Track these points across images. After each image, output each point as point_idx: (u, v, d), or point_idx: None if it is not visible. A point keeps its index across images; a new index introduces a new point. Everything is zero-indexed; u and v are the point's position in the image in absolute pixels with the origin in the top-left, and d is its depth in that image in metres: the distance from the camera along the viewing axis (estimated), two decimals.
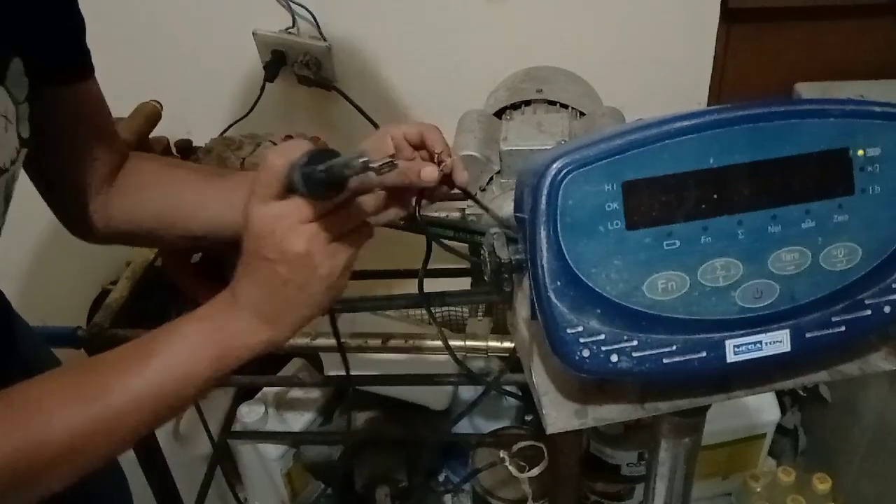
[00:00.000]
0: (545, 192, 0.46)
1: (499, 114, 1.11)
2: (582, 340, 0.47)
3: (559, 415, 0.54)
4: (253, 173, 0.57)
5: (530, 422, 1.56)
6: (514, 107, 1.12)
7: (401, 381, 1.20)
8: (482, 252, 0.53)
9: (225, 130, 1.26)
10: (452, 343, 0.99)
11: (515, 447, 0.94)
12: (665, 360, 0.48)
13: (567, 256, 0.46)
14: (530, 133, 0.97)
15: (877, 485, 1.39)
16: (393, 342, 1.03)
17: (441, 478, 1.61)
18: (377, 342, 1.03)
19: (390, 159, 0.51)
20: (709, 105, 1.36)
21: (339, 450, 1.44)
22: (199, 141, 1.17)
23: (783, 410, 1.51)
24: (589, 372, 0.48)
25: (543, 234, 0.46)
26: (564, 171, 0.45)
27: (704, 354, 0.49)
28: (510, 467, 0.93)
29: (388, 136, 0.67)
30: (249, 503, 1.63)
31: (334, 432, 1.46)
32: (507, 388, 1.11)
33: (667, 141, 0.46)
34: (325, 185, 0.52)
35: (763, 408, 1.47)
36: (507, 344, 1.01)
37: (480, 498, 1.44)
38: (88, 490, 0.58)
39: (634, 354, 0.48)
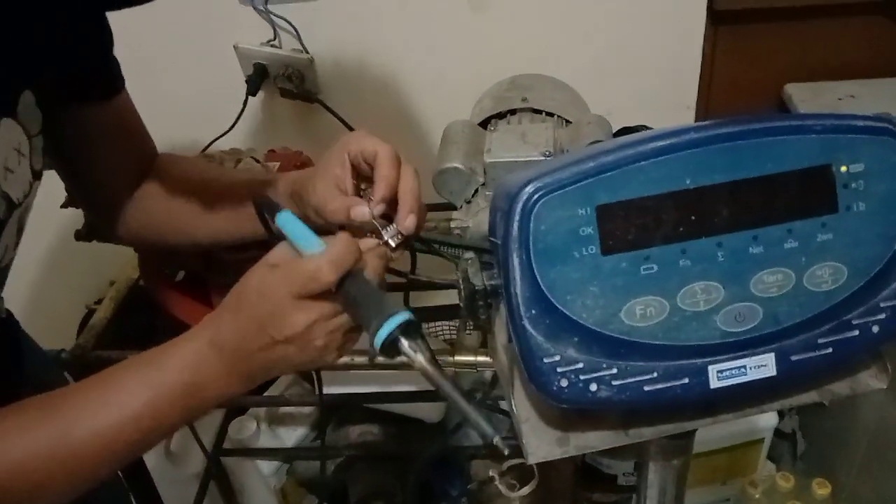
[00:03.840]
0: (517, 216, 0.44)
1: (484, 124, 1.09)
2: (559, 370, 0.46)
3: (540, 443, 0.52)
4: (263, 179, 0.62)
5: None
6: (500, 116, 1.10)
7: (391, 399, 1.18)
8: (456, 277, 0.51)
9: (208, 146, 1.24)
10: (441, 358, 0.98)
11: (506, 465, 0.93)
12: (646, 388, 0.47)
13: (541, 283, 0.45)
14: (514, 144, 0.95)
15: (876, 490, 1.37)
16: (381, 358, 1.01)
17: (436, 490, 1.59)
18: (363, 359, 1.01)
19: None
20: (697, 109, 1.35)
21: (333, 464, 1.42)
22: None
23: (781, 415, 1.49)
24: (568, 402, 0.47)
25: (516, 260, 0.44)
26: (536, 195, 0.44)
27: (687, 381, 0.47)
28: (500, 486, 0.91)
29: (346, 151, 0.65)
30: None
31: (327, 447, 1.44)
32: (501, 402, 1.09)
33: (642, 162, 0.44)
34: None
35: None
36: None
37: None
38: None
39: (614, 383, 0.46)
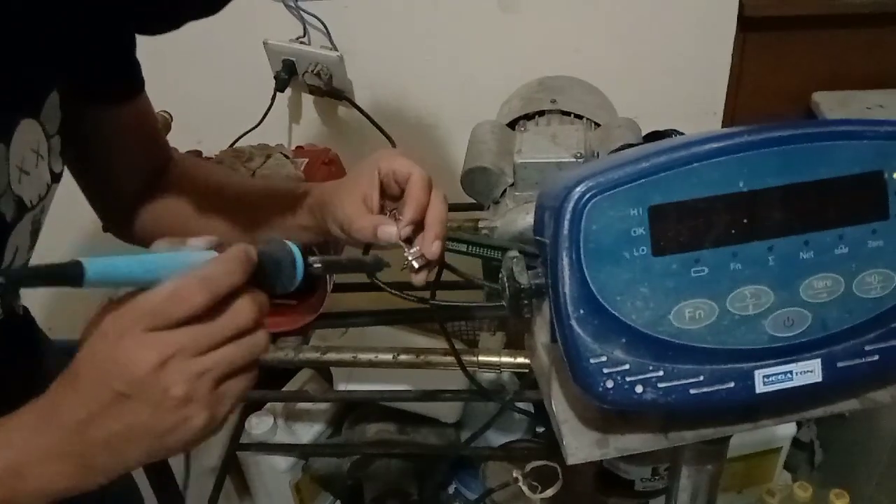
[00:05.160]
0: (568, 216, 0.44)
1: (512, 124, 1.10)
2: (605, 371, 0.46)
3: (580, 444, 0.52)
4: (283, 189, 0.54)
5: (542, 434, 1.53)
6: (528, 117, 1.10)
7: (413, 398, 1.18)
8: (500, 276, 0.51)
9: (235, 141, 1.25)
10: (464, 358, 0.98)
11: (528, 466, 0.93)
12: (692, 391, 0.46)
13: (590, 284, 0.44)
14: (545, 145, 0.95)
15: None
16: (404, 357, 1.01)
17: (451, 490, 1.59)
18: (388, 357, 1.02)
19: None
20: (724, 115, 1.35)
21: (349, 462, 1.42)
22: (209, 151, 1.15)
23: (799, 424, 1.48)
24: (612, 403, 0.47)
25: (566, 260, 0.44)
26: (588, 194, 0.44)
27: (732, 385, 0.47)
28: (523, 487, 0.91)
29: (377, 168, 0.63)
30: None
31: (343, 444, 1.45)
32: (519, 404, 1.09)
33: (695, 164, 0.44)
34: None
35: None
36: (521, 360, 1.00)
37: None
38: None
39: (660, 385, 0.46)
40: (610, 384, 0.46)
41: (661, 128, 1.10)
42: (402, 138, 1.22)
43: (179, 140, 1.16)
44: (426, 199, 0.61)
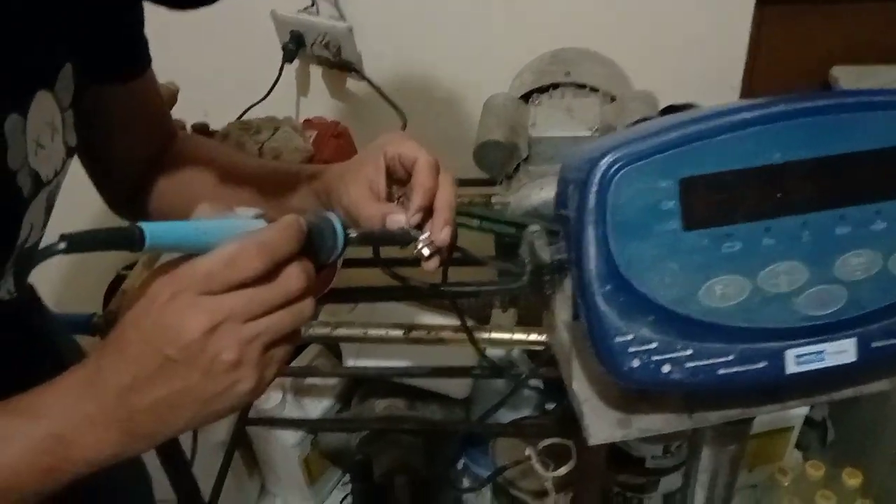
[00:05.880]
0: (594, 188, 0.42)
1: (525, 98, 1.07)
2: (631, 350, 0.44)
3: (601, 425, 0.50)
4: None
5: (552, 411, 1.53)
6: (541, 90, 1.08)
7: (424, 374, 1.17)
8: (520, 251, 0.49)
9: (242, 114, 1.23)
10: (477, 335, 0.96)
11: (541, 444, 0.92)
12: (720, 371, 0.45)
13: (617, 259, 0.43)
14: (560, 119, 0.93)
15: None
16: (415, 333, 1.00)
17: (460, 466, 1.59)
18: (399, 333, 1.00)
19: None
20: (742, 89, 1.32)
21: (358, 437, 1.42)
22: (216, 124, 1.13)
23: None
24: (638, 383, 0.45)
25: (591, 234, 0.42)
26: (616, 166, 0.42)
27: (763, 365, 0.45)
28: (536, 465, 0.90)
29: (383, 153, 0.61)
30: (267, 489, 1.61)
31: (352, 420, 1.44)
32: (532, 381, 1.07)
33: (729, 134, 0.42)
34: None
35: None
36: (535, 336, 0.98)
37: (501, 489, 1.42)
38: (109, 477, 0.56)
39: (688, 365, 0.44)
40: (636, 363, 0.44)
41: (677, 101, 1.08)
42: (413, 112, 1.20)
43: (185, 112, 1.15)
44: (434, 183, 0.59)
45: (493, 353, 1.30)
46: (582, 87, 1.05)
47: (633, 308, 0.43)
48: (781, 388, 0.50)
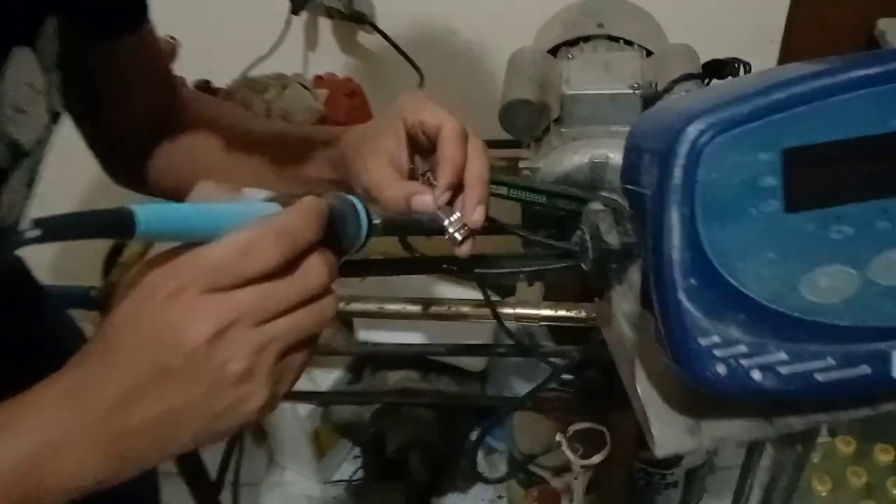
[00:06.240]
0: (681, 161, 0.35)
1: (553, 52, 0.99)
2: (717, 353, 0.37)
3: (669, 431, 0.44)
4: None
5: (570, 383, 1.47)
6: (571, 43, 0.99)
7: (443, 352, 1.11)
8: (578, 234, 0.42)
9: (247, 70, 1.15)
10: (501, 311, 0.90)
11: (571, 429, 0.86)
12: (819, 377, 0.38)
13: (706, 246, 0.36)
14: (596, 75, 0.85)
15: None
16: (435, 308, 0.93)
17: (473, 436, 1.54)
18: (417, 308, 0.94)
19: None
20: (782, 44, 1.23)
21: (370, 410, 1.37)
22: (220, 81, 1.06)
23: None
24: (724, 392, 0.38)
25: (675, 216, 0.35)
26: (708, 133, 0.35)
27: (867, 369, 0.38)
28: (567, 452, 0.84)
29: (402, 121, 0.53)
30: (276, 462, 1.57)
31: (363, 393, 1.39)
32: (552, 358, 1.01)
33: (844, 95, 0.35)
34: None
35: None
36: (563, 312, 0.91)
37: (518, 463, 1.37)
38: None
39: (782, 371, 0.38)
40: (722, 370, 0.37)
41: (715, 56, 0.99)
42: (431, 68, 1.11)
43: (186, 69, 1.08)
44: (462, 156, 0.51)
45: (508, 324, 1.24)
46: (616, 40, 0.97)
47: (722, 305, 0.37)
48: (882, 392, 0.43)
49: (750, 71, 0.92)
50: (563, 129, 0.86)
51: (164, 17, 0.67)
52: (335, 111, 0.98)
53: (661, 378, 0.44)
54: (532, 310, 0.92)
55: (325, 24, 1.24)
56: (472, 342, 1.14)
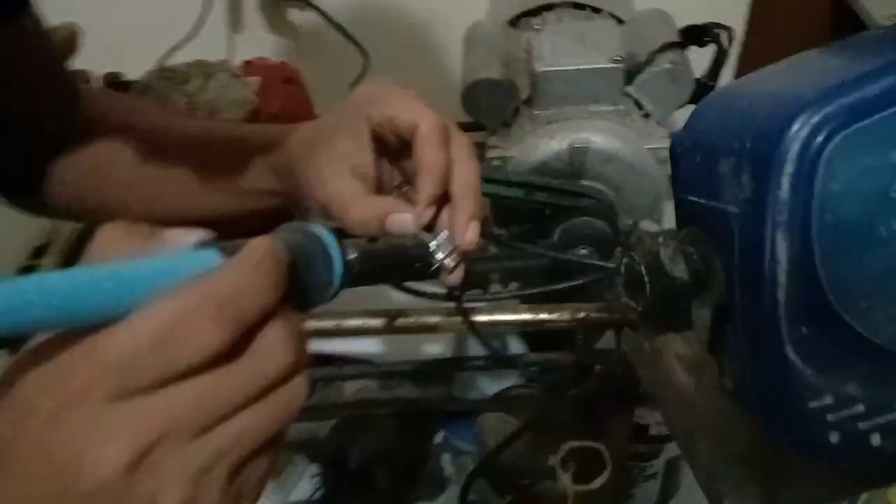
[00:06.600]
0: (790, 169, 0.25)
1: (513, 23, 0.89)
2: (830, 418, 0.28)
3: (739, 499, 0.35)
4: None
5: (539, 379, 1.39)
6: (531, 13, 0.90)
7: (407, 370, 1.00)
8: (627, 263, 0.32)
9: (163, 59, 1.01)
10: (475, 319, 0.80)
11: (564, 448, 0.77)
12: None
13: (823, 283, 0.26)
14: (572, 47, 0.75)
15: None
16: (401, 321, 0.82)
17: (438, 440, 1.45)
18: (379, 322, 0.83)
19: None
20: (751, 5, 1.16)
21: (328, 426, 1.26)
22: (132, 73, 0.92)
23: None
24: (837, 461, 0.29)
25: (783, 244, 0.26)
26: (824, 130, 0.25)
27: None
28: (563, 477, 0.75)
29: (366, 116, 0.42)
30: None
31: (319, 407, 1.28)
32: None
33: None
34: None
35: None
36: (545, 316, 0.82)
37: (488, 466, 1.29)
38: None
39: None
40: (835, 437, 0.28)
41: (683, 22, 0.91)
42: (376, 45, 1.00)
43: (92, 61, 0.94)
44: (446, 160, 0.41)
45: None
46: (581, 7, 0.88)
47: (840, 356, 0.27)
48: None
49: (733, 37, 0.84)
50: (535, 111, 0.76)
51: (62, 1, 0.56)
52: (270, 101, 0.86)
53: (726, 434, 0.35)
54: (510, 315, 0.82)
55: (249, 2, 1.12)
56: (439, 350, 1.04)
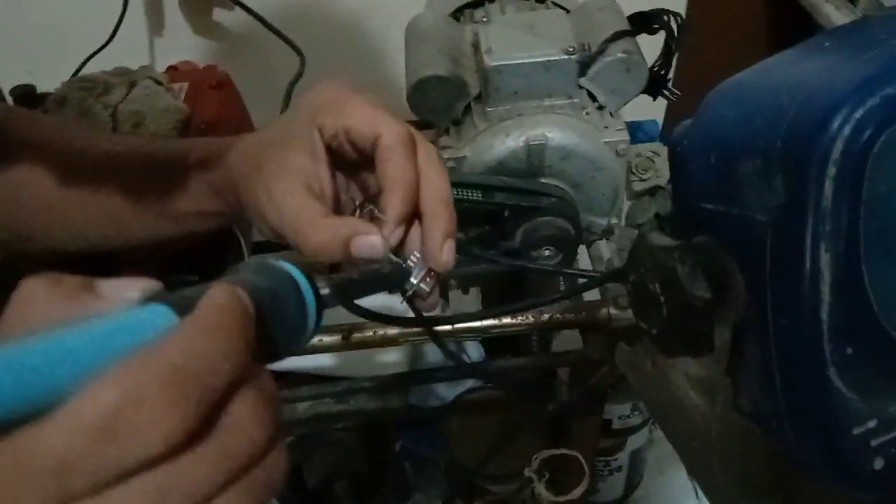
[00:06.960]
0: (832, 171, 0.22)
1: (455, 16, 0.85)
2: (874, 443, 0.25)
3: None
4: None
5: (495, 376, 1.37)
6: (473, 5, 0.86)
7: (366, 387, 0.96)
8: (633, 279, 0.28)
9: (80, 67, 0.94)
10: (437, 329, 0.76)
11: (538, 457, 0.74)
12: None
13: (871, 298, 0.23)
14: (523, 40, 0.71)
15: None
16: (358, 336, 0.78)
17: (397, 448, 1.41)
18: (335, 339, 0.78)
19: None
20: None
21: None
22: (46, 85, 0.85)
23: None
24: (877, 490, 0.26)
25: (826, 256, 0.22)
26: (870, 125, 0.22)
27: None
28: (539, 488, 0.72)
29: (318, 128, 0.38)
30: None
31: None
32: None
33: None
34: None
35: None
36: (508, 320, 0.79)
37: (454, 472, 1.26)
38: None
39: None
40: (879, 463, 0.25)
41: (631, 9, 0.89)
42: (311, 45, 0.94)
43: (2, 72, 0.86)
44: (414, 173, 0.37)
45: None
46: None
47: (885, 377, 0.24)
48: None
49: (683, 22, 0.81)
50: (488, 108, 0.72)
51: None
52: (201, 109, 0.80)
53: (745, 460, 0.32)
54: (474, 322, 0.79)
55: (170, 2, 1.05)
56: (394, 359, 1.00)
